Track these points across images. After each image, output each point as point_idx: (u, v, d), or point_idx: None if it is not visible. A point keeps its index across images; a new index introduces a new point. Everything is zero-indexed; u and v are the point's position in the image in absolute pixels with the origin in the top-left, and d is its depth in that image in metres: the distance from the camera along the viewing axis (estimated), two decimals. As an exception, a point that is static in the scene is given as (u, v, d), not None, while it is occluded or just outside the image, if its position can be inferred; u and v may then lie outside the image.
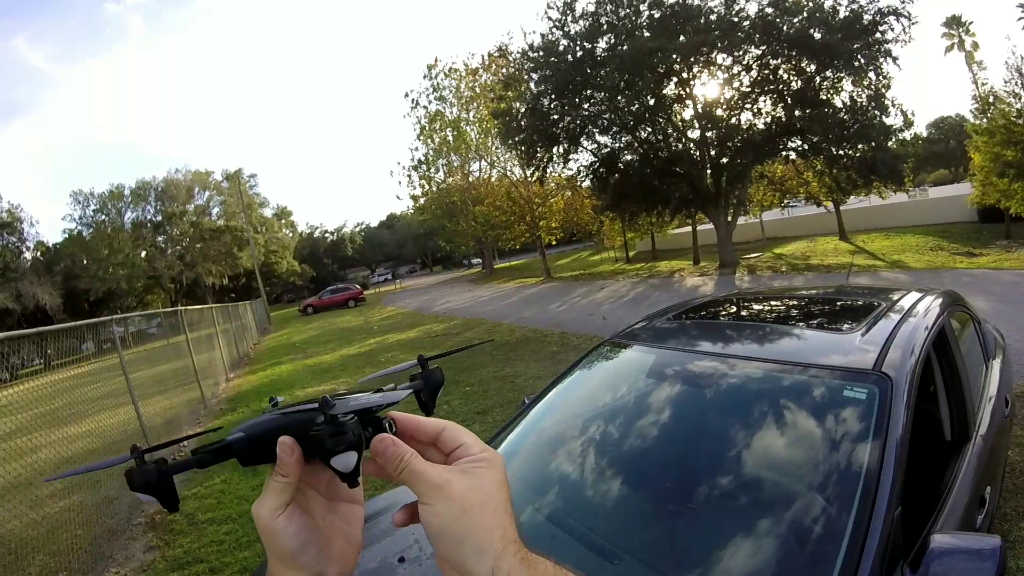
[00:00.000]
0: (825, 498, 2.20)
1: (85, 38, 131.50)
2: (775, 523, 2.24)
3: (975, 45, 63.17)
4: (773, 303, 4.42)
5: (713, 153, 26.13)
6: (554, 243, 50.68)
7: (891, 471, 2.10)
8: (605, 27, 24.17)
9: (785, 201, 34.02)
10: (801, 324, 3.69)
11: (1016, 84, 20.06)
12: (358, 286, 51.48)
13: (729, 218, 26.78)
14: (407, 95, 55.01)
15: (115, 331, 9.08)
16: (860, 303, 3.89)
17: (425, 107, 47.92)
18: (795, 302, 4.36)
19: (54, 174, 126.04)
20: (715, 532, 2.35)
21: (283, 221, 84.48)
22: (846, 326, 3.22)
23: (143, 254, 68.19)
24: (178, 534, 6.46)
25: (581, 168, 30.13)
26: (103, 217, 68.54)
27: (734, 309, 4.35)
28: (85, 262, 64.42)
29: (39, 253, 67.27)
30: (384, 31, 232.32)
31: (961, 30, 63.62)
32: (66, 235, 68.03)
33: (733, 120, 25.38)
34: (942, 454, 2.94)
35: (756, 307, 4.35)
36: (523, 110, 27.63)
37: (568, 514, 2.70)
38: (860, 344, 2.81)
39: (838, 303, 4.18)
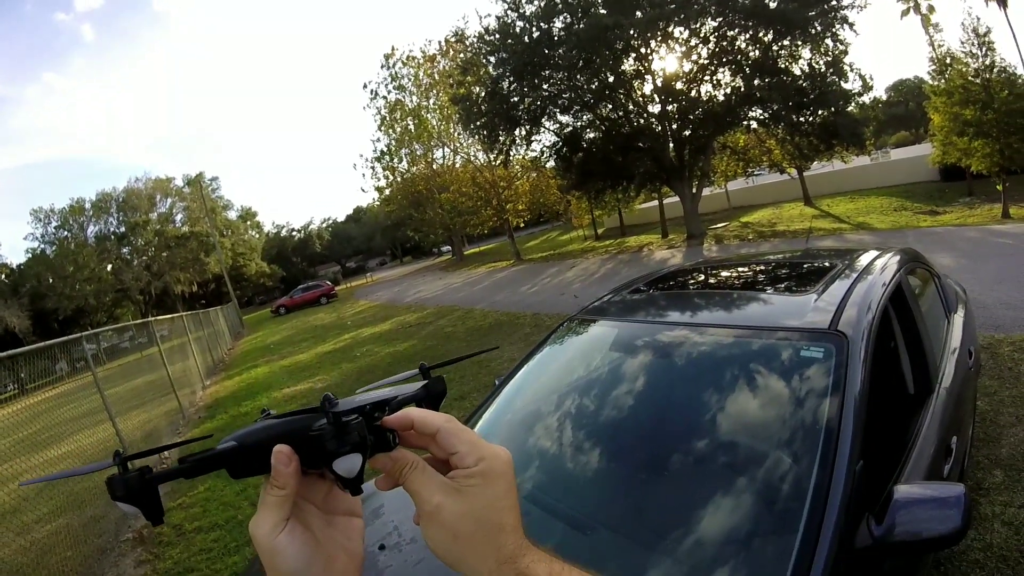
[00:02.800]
0: (788, 456, 2.24)
1: (35, 51, 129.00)
2: (741, 484, 2.28)
3: (931, 8, 63.06)
4: (733, 271, 4.44)
5: (675, 127, 26.30)
6: (522, 225, 50.70)
7: (850, 426, 2.13)
8: (560, 6, 24.03)
9: (749, 170, 34.23)
10: (760, 289, 3.75)
11: (972, 44, 20.16)
12: (329, 282, 51.16)
13: (694, 190, 26.98)
14: (365, 86, 54.76)
15: (86, 348, 8.95)
16: (818, 265, 3.96)
17: (384, 97, 47.68)
18: (755, 268, 4.44)
19: (13, 192, 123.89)
20: (684, 497, 2.39)
21: (248, 223, 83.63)
22: (804, 288, 3.28)
23: (109, 268, 67.34)
24: (167, 546, 6.41)
25: (544, 149, 30.18)
26: (66, 233, 67.76)
27: (695, 278, 4.39)
28: (51, 281, 63.60)
29: (3, 275, 66.33)
30: (340, 22, 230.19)
31: None
32: (29, 255, 67.17)
33: (693, 93, 25.47)
34: (905, 408, 2.99)
35: (716, 275, 4.36)
36: (483, 94, 27.57)
37: (542, 490, 2.73)
38: (816, 305, 2.85)
39: (796, 267, 4.25)
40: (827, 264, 3.74)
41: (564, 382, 3.50)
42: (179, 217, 73.38)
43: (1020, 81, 20.07)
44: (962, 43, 20.31)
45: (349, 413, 0.69)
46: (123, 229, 69.36)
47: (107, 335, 14.03)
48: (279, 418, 0.74)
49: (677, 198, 28.57)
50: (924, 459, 2.60)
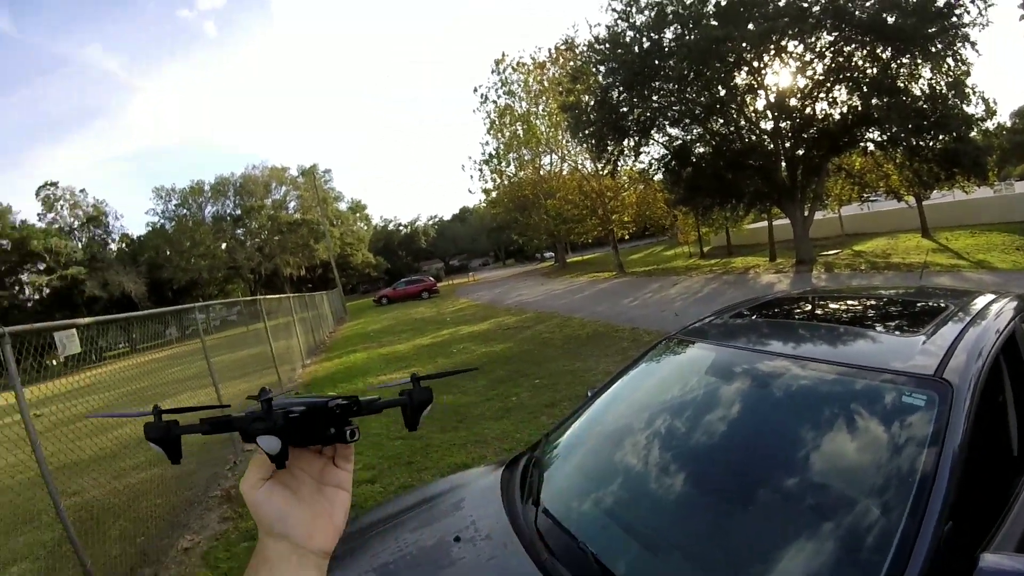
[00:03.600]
0: (874, 506, 2.14)
1: (159, 44, 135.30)
2: (822, 528, 2.20)
3: None
4: (839, 303, 4.30)
5: (788, 145, 25.41)
6: (627, 237, 50.29)
7: (945, 483, 2.00)
8: (671, 17, 23.68)
9: (864, 195, 33.01)
10: (866, 325, 3.59)
11: None
12: (432, 278, 51.93)
13: (805, 213, 26.03)
14: (476, 90, 55.37)
15: (198, 317, 9.42)
16: (930, 305, 3.73)
17: (494, 102, 48.13)
18: (863, 302, 4.26)
19: (137, 172, 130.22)
20: (760, 532, 2.34)
21: (357, 215, 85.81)
22: (912, 329, 3.14)
23: (223, 246, 70.41)
24: None
25: (653, 161, 29.49)
26: (184, 211, 71.26)
27: (800, 308, 4.27)
28: (168, 253, 66.81)
29: (124, 245, 69.96)
30: (455, 24, 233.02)
31: None
32: (149, 228, 70.81)
33: (807, 110, 24.63)
34: (1007, 469, 2.71)
35: (822, 306, 4.23)
36: (591, 103, 27.37)
37: (621, 507, 2.75)
38: (923, 348, 2.71)
39: (906, 304, 4.06)
40: (939, 304, 3.56)
41: (655, 401, 3.49)
42: (292, 204, 76.07)
43: None
44: None
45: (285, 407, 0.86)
46: (239, 212, 72.42)
47: (217, 308, 14.65)
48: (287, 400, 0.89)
49: (787, 220, 27.63)
50: (1018, 530, 2.36)
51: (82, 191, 66.99)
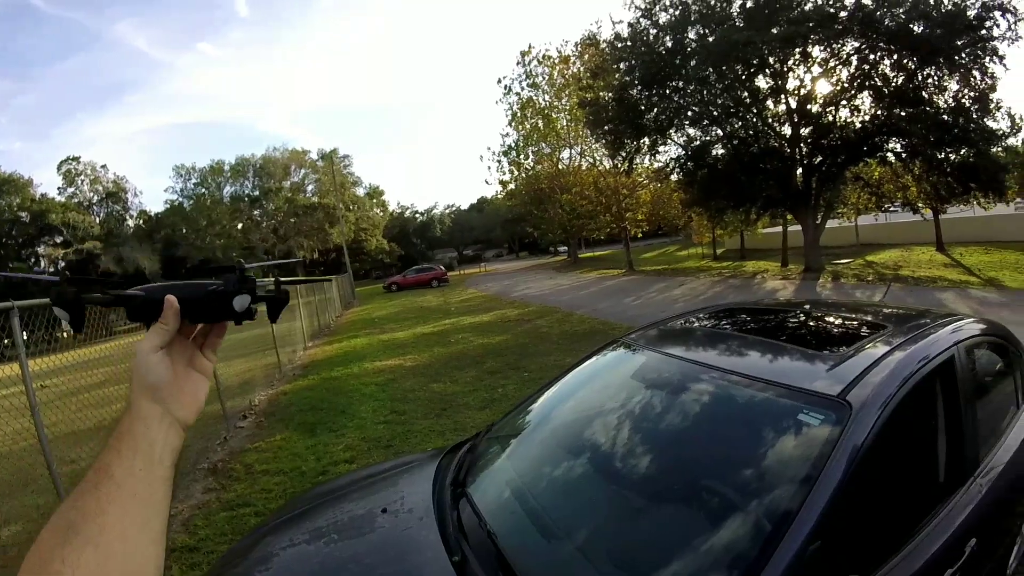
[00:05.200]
0: (750, 516, 2.20)
1: (192, 22, 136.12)
2: (698, 530, 2.31)
3: None
4: (785, 316, 4.33)
5: (805, 151, 25.32)
6: (640, 236, 50.22)
7: (820, 503, 2.03)
8: (695, 17, 23.71)
9: (882, 206, 32.84)
10: (797, 341, 3.58)
11: None
12: (442, 267, 51.99)
13: (818, 220, 26.00)
14: (500, 81, 55.32)
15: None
16: (868, 325, 3.69)
17: (518, 94, 48.18)
18: (807, 318, 4.32)
19: (159, 149, 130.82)
20: (643, 528, 2.47)
21: (375, 200, 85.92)
22: (837, 348, 3.13)
23: (239, 226, 70.81)
24: (235, 480, 6.99)
25: (670, 161, 29.55)
26: (203, 190, 71.47)
27: (745, 319, 4.32)
28: (184, 231, 67.29)
29: (141, 221, 70.58)
30: (482, 15, 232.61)
31: None
32: (167, 206, 71.13)
33: (829, 117, 24.50)
34: (925, 498, 2.77)
35: (766, 319, 4.26)
36: (611, 100, 27.37)
37: (529, 494, 2.87)
38: (838, 368, 2.72)
39: (846, 323, 4.05)
40: (879, 325, 3.54)
41: (583, 400, 3.70)
42: (310, 188, 76.30)
43: None
44: None
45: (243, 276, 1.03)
46: (257, 193, 72.50)
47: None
48: (176, 282, 1.01)
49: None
50: (919, 559, 2.41)
51: (103, 167, 67.73)
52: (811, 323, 4.17)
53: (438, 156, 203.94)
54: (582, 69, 39.18)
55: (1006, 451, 3.27)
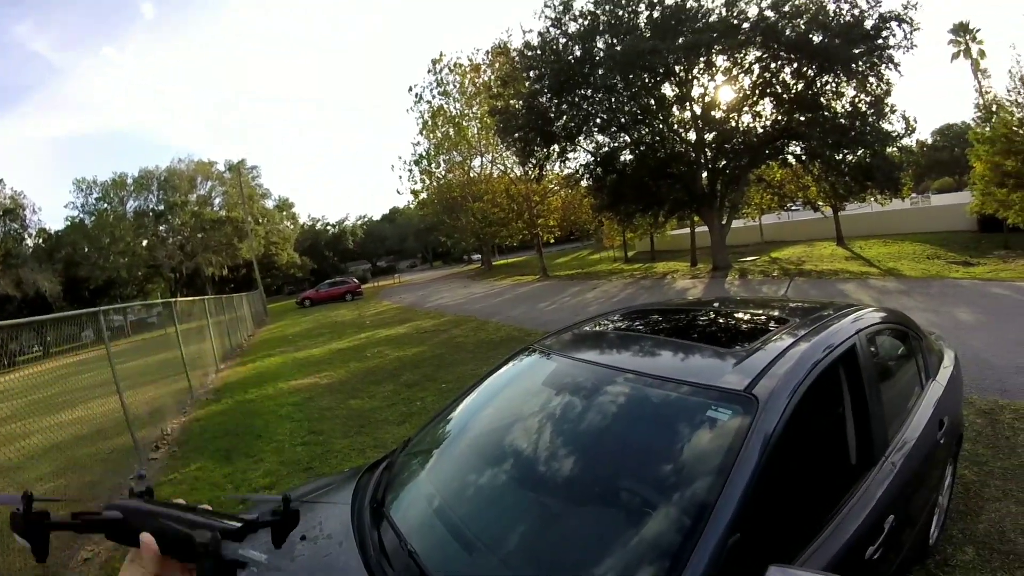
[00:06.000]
0: (668, 514, 2.23)
1: (95, 24, 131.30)
2: (618, 532, 2.29)
3: (981, 53, 63.53)
4: (692, 315, 4.37)
5: (710, 155, 26.17)
6: (552, 241, 50.73)
7: (735, 495, 2.06)
8: (603, 27, 24.27)
9: (787, 205, 34.08)
10: (704, 339, 3.68)
11: (1019, 93, 20.23)
12: (356, 280, 51.35)
13: (723, 221, 26.94)
14: (411, 89, 55.08)
15: (103, 322, 9.16)
16: (772, 319, 3.85)
17: (429, 102, 47.96)
18: (713, 315, 4.39)
19: (58, 161, 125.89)
20: (566, 534, 2.44)
21: (284, 213, 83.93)
22: (742, 343, 3.20)
23: (144, 243, 68.19)
24: None
25: (579, 167, 30.17)
26: (105, 205, 68.33)
27: (653, 320, 4.37)
28: (86, 250, 64.45)
29: (41, 240, 67.28)
30: (391, 24, 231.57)
31: (968, 37, 63.80)
32: (68, 222, 68.04)
33: (732, 122, 25.37)
34: (840, 481, 2.86)
35: (674, 319, 4.33)
36: (520, 108, 27.65)
37: (449, 508, 2.84)
38: (744, 363, 2.78)
39: (751, 318, 4.17)
40: (782, 318, 3.68)
41: (496, 410, 3.65)
42: (217, 201, 73.89)
43: None
44: (1008, 91, 20.25)
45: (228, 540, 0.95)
46: (162, 207, 70.07)
47: (137, 309, 14.30)
48: (157, 506, 0.94)
49: None
50: (840, 538, 2.49)
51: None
52: (718, 320, 4.24)
53: (349, 166, 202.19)
54: (493, 77, 39.35)
55: (914, 429, 3.46)
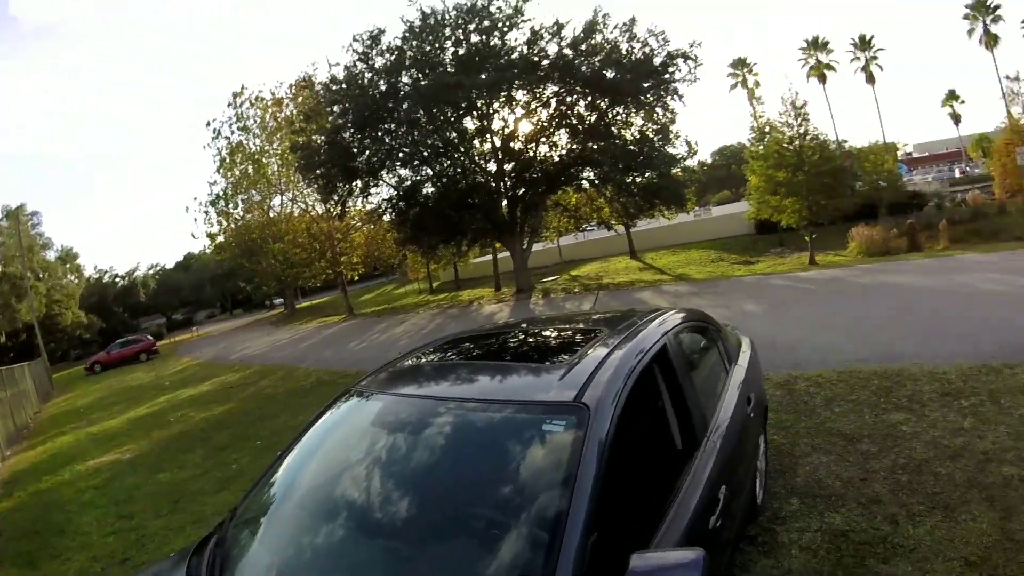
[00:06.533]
0: (526, 530, 2.26)
1: None
2: (484, 560, 2.27)
3: (757, 83, 73.64)
4: (509, 338, 4.48)
5: (509, 184, 27.22)
6: (357, 279, 50.04)
7: (585, 499, 2.14)
8: (409, 62, 24.85)
9: (583, 226, 35.71)
10: (526, 359, 3.89)
11: (790, 115, 23.04)
12: (150, 337, 48.44)
13: (524, 245, 28.07)
14: (208, 124, 52.88)
15: None
16: (587, 331, 4.09)
17: (227, 138, 45.77)
18: (529, 335, 4.52)
19: None
20: (420, 574, 2.41)
21: (68, 265, 77.30)
22: (564, 357, 3.31)
23: None
24: None
25: (382, 202, 30.36)
26: None
27: (471, 346, 4.39)
28: None
29: None
30: (187, 55, 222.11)
31: (745, 70, 74.19)
32: None
33: (530, 152, 26.78)
34: (672, 467, 3.05)
35: (491, 343, 4.40)
36: (323, 143, 27.63)
37: (295, 574, 2.68)
38: (568, 376, 2.87)
39: (567, 334, 4.38)
40: (596, 330, 3.88)
41: (327, 460, 3.48)
42: (-11, 255, 66.72)
43: (830, 147, 23.86)
44: (780, 114, 23.19)
45: None
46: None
47: None
48: None
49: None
50: (684, 516, 2.67)
51: None
52: (535, 340, 4.40)
53: (136, 210, 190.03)
54: (295, 112, 38.50)
55: (727, 409, 3.85)
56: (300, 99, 38.81)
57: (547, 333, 4.53)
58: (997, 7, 60.57)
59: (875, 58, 69.52)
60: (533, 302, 23.61)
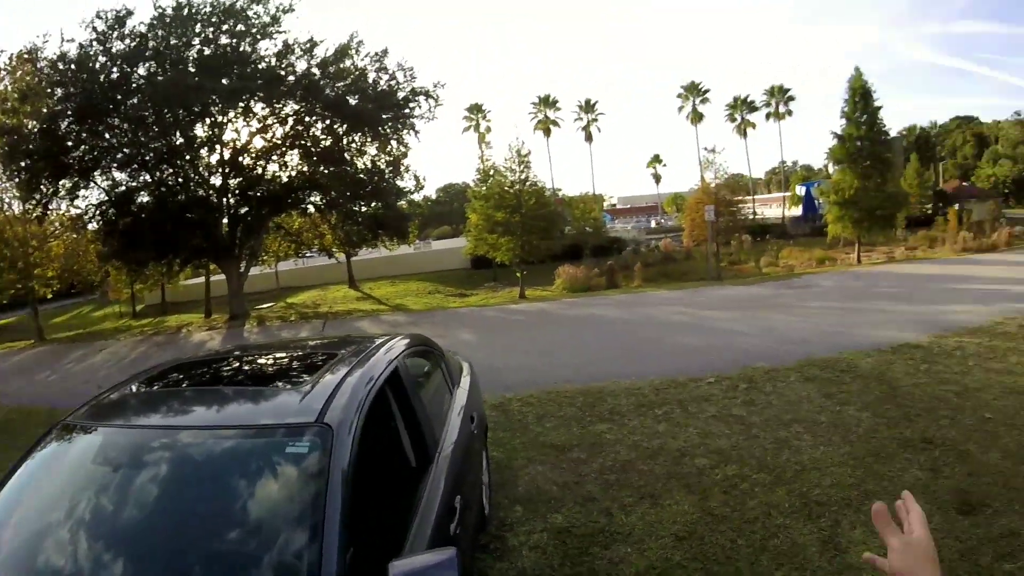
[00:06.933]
0: (283, 556, 2.28)
1: None
2: None
3: (488, 129, 78.18)
4: (240, 363, 4.39)
5: (233, 201, 26.02)
6: (50, 297, 44.09)
7: (337, 516, 2.23)
8: (150, 52, 22.73)
9: (301, 252, 35.65)
10: (260, 383, 3.94)
11: (514, 162, 25.54)
12: None
13: (242, 269, 26.52)
14: None
15: None
16: (322, 355, 4.18)
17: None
18: (261, 360, 4.48)
19: None
20: None
21: None
22: (300, 380, 3.40)
23: None
24: None
25: (90, 207, 26.77)
26: None
27: (198, 373, 4.16)
28: None
29: None
30: None
31: (480, 115, 78.37)
32: None
33: (259, 170, 25.97)
34: (409, 482, 3.24)
35: (220, 369, 4.17)
36: (36, 130, 24.06)
37: None
38: (308, 398, 2.91)
39: (301, 357, 4.51)
40: (331, 354, 3.93)
41: (48, 509, 2.84)
42: None
43: (546, 193, 26.94)
44: (506, 159, 25.70)
45: None
46: None
47: None
48: None
49: (224, 276, 27.45)
50: (428, 525, 2.86)
51: None
52: (267, 364, 4.34)
53: None
54: (10, 87, 34.01)
55: (453, 428, 4.20)
56: (19, 74, 34.59)
57: (280, 357, 4.53)
58: (707, 91, 72.10)
59: (596, 120, 77.45)
60: (247, 329, 22.80)
